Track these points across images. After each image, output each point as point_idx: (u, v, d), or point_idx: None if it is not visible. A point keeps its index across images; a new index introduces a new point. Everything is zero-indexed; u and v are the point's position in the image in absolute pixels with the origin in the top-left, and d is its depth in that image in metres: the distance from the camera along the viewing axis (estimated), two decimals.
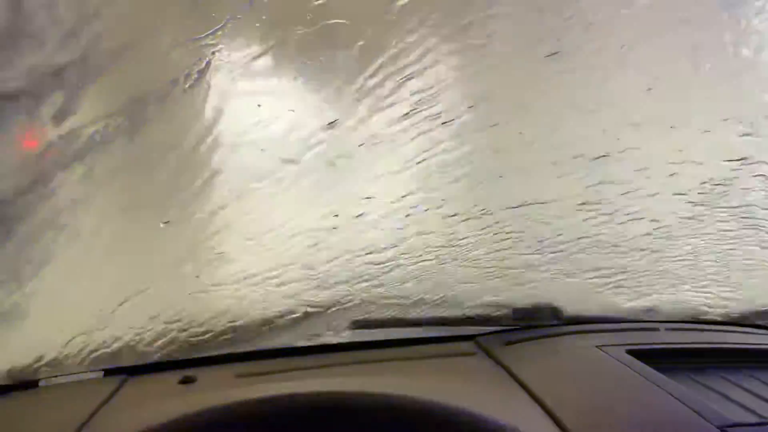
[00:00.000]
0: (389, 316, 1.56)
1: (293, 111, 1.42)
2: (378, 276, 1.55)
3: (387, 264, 1.55)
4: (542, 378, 1.26)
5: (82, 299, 1.38)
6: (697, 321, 1.65)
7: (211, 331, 1.47)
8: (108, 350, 1.40)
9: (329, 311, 1.53)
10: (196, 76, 1.32)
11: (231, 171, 1.40)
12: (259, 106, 1.40)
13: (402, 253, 1.54)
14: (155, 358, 1.43)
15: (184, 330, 1.45)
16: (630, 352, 1.35)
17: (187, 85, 1.32)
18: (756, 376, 1.33)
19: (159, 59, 1.31)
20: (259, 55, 1.35)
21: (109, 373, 1.37)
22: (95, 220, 1.35)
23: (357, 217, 1.49)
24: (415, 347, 1.51)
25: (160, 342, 1.43)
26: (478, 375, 1.33)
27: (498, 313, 1.61)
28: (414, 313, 1.59)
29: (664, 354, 1.39)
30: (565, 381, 1.27)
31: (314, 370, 1.35)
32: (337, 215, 1.48)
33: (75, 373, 1.36)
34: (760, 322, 1.69)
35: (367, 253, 1.53)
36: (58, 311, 1.36)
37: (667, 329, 1.56)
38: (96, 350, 1.39)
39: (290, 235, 1.48)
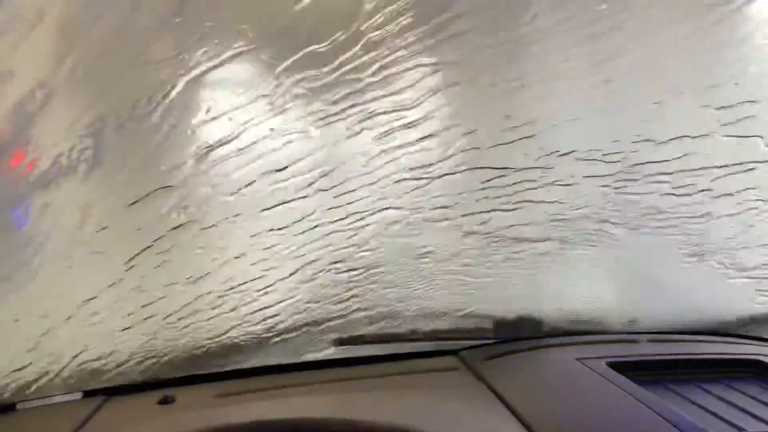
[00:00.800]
0: (372, 332, 1.56)
1: None
2: None
3: None
4: (522, 393, 1.26)
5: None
6: (677, 332, 1.66)
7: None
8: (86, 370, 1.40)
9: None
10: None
11: None
12: None
13: None
14: (135, 378, 1.43)
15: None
16: (610, 364, 1.36)
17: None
18: (734, 387, 1.34)
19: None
20: None
21: (88, 394, 1.36)
22: None
23: None
24: (399, 363, 1.52)
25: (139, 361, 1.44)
26: (458, 391, 1.33)
27: (481, 326, 1.62)
28: (397, 328, 1.59)
29: (644, 366, 1.40)
30: (545, 395, 1.27)
31: (295, 388, 1.35)
32: None
33: (53, 396, 1.35)
34: (739, 332, 1.71)
35: None
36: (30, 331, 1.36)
37: (647, 341, 1.57)
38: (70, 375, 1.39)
39: None
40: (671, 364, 1.42)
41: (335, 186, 1.49)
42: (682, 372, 1.40)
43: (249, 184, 1.44)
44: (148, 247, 1.40)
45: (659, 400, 1.18)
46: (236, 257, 1.47)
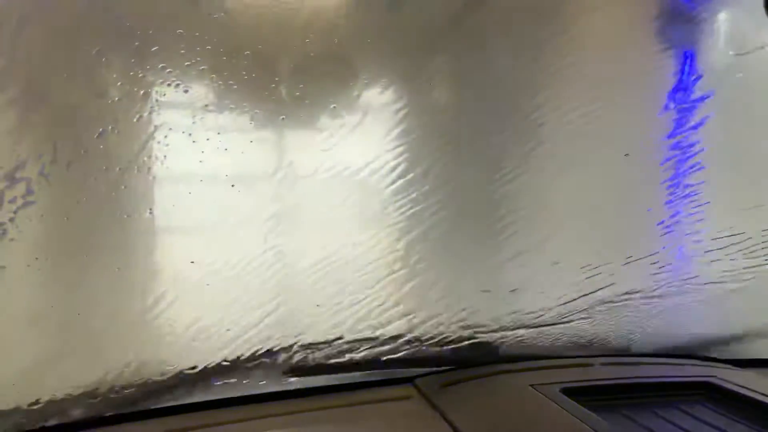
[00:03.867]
0: (325, 362, 1.53)
1: None
2: None
3: None
4: (475, 421, 1.25)
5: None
6: (630, 354, 1.67)
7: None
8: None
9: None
10: None
11: None
12: None
13: None
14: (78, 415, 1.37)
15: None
16: (563, 390, 1.36)
17: None
18: (686, 410, 1.35)
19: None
20: None
21: None
22: None
23: None
24: (353, 393, 1.49)
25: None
26: (412, 421, 1.31)
27: (435, 352, 1.61)
28: (351, 357, 1.57)
29: (598, 391, 1.40)
30: (498, 424, 1.26)
31: (244, 423, 1.31)
32: None
33: None
34: (692, 353, 1.73)
35: None
36: None
37: (601, 364, 1.58)
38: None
39: None
40: (624, 389, 1.43)
41: None
42: (635, 396, 1.41)
43: None
44: None
45: (611, 427, 1.18)
46: None
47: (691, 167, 1.75)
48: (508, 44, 1.63)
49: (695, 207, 1.77)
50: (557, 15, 1.66)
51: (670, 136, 1.75)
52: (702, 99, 1.74)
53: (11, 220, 1.27)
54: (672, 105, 1.73)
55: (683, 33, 1.74)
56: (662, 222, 1.75)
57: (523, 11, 1.62)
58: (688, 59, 1.73)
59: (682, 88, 1.73)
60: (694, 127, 1.74)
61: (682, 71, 1.73)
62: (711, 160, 1.75)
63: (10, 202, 1.27)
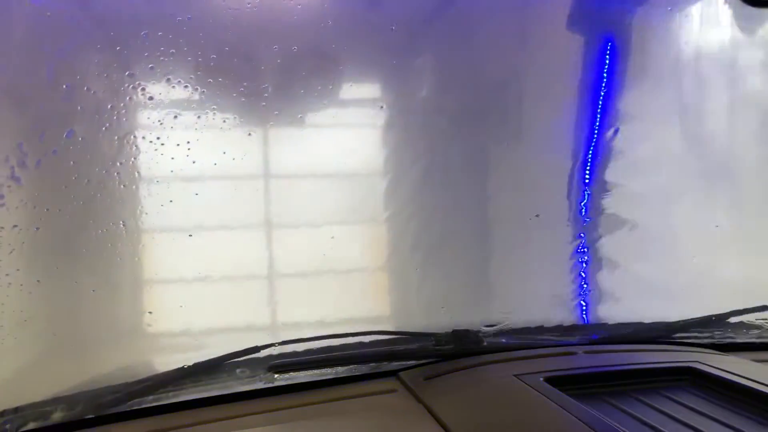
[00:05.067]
0: (309, 358, 1.53)
1: None
2: None
3: None
4: (459, 413, 1.25)
5: None
6: (613, 341, 1.68)
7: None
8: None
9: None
10: None
11: None
12: None
13: None
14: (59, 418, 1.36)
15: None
16: (547, 379, 1.36)
17: None
18: (670, 396, 1.36)
19: None
20: None
21: None
22: None
23: None
24: (337, 388, 1.48)
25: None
26: (397, 415, 1.31)
27: (419, 345, 1.60)
28: (334, 352, 1.56)
29: (581, 380, 1.40)
30: (482, 415, 1.26)
31: (229, 421, 1.30)
32: None
33: None
34: (674, 338, 1.74)
35: None
36: None
37: (584, 352, 1.58)
38: None
39: None
40: (608, 377, 1.43)
41: None
42: (618, 383, 1.41)
43: None
44: None
45: (596, 414, 1.18)
46: None
47: None
48: None
49: None
50: None
51: None
52: None
53: None
54: None
55: None
56: None
57: None
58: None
59: None
60: None
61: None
62: None
63: None
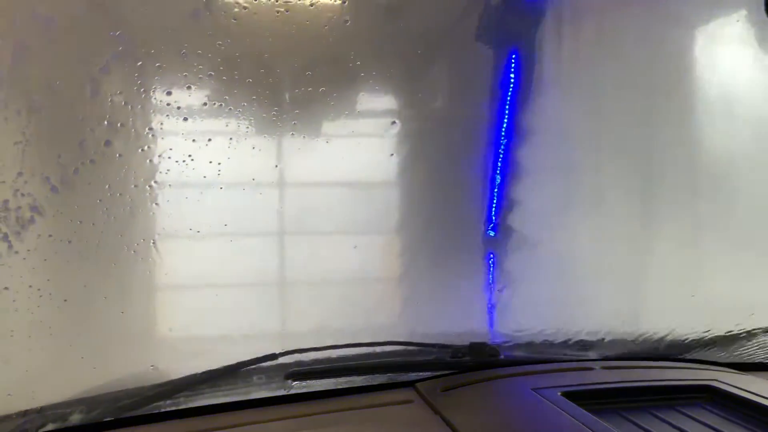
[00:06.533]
0: (327, 367, 1.53)
1: None
2: None
3: None
4: (477, 425, 1.25)
5: None
6: (631, 358, 1.67)
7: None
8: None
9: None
10: None
11: None
12: None
13: None
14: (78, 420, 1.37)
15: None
16: (565, 394, 1.36)
17: None
18: (687, 413, 1.35)
19: None
20: None
21: None
22: None
23: None
24: (354, 397, 1.49)
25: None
26: (414, 426, 1.31)
27: (436, 357, 1.61)
28: (352, 361, 1.57)
29: (598, 395, 1.40)
30: (500, 427, 1.26)
31: (246, 427, 1.31)
32: None
33: None
34: (691, 357, 1.73)
35: None
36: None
37: (601, 368, 1.57)
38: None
39: None
40: (625, 392, 1.43)
41: None
42: (636, 400, 1.40)
43: None
44: None
45: (613, 430, 1.18)
46: None
47: None
48: None
49: None
50: None
51: None
52: None
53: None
54: None
55: None
56: None
57: None
58: None
59: None
60: None
61: None
62: None
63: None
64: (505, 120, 1.70)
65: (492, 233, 1.76)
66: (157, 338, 1.43)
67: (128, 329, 1.44)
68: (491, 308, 1.76)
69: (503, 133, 1.71)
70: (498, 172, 1.73)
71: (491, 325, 1.75)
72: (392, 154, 1.62)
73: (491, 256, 1.78)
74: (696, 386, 1.47)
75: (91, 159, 1.32)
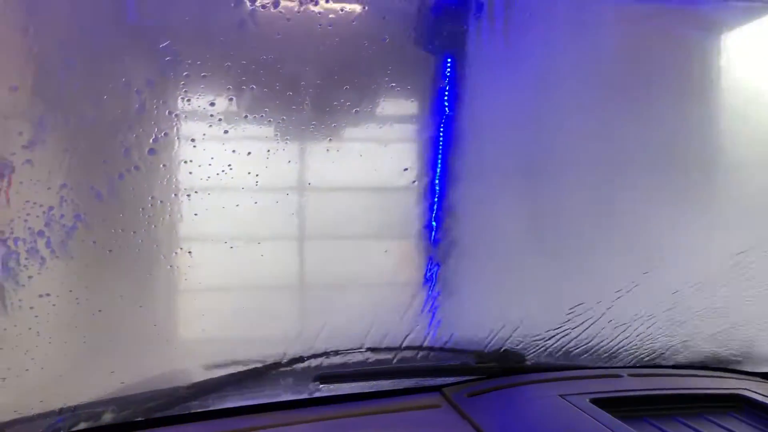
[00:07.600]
0: (354, 370, 1.54)
1: None
2: None
3: None
4: (506, 430, 1.25)
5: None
6: (657, 366, 1.66)
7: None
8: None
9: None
10: None
11: None
12: None
13: None
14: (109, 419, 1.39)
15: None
16: (593, 400, 1.35)
17: None
18: (716, 422, 1.34)
19: None
20: None
21: None
22: None
23: None
24: (381, 401, 1.49)
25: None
26: (442, 430, 1.31)
27: (462, 362, 1.61)
28: (380, 366, 1.57)
29: (626, 402, 1.40)
30: None
31: (273, 429, 1.32)
32: None
33: None
34: (717, 365, 1.72)
35: None
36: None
37: (629, 375, 1.57)
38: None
39: None
40: (653, 400, 1.42)
41: None
42: (665, 407, 1.40)
43: None
44: None
45: None
46: None
47: None
48: None
49: None
50: None
51: None
52: None
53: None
54: None
55: None
56: None
57: None
58: None
59: None
60: None
61: None
62: None
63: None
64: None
65: None
66: (187, 343, 1.45)
67: (159, 336, 1.45)
68: None
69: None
70: None
71: None
72: None
73: None
74: (726, 395, 1.45)
75: (135, 166, 1.34)
